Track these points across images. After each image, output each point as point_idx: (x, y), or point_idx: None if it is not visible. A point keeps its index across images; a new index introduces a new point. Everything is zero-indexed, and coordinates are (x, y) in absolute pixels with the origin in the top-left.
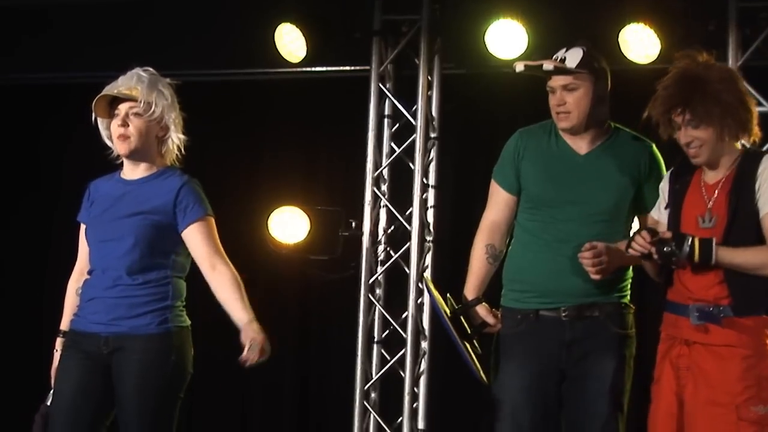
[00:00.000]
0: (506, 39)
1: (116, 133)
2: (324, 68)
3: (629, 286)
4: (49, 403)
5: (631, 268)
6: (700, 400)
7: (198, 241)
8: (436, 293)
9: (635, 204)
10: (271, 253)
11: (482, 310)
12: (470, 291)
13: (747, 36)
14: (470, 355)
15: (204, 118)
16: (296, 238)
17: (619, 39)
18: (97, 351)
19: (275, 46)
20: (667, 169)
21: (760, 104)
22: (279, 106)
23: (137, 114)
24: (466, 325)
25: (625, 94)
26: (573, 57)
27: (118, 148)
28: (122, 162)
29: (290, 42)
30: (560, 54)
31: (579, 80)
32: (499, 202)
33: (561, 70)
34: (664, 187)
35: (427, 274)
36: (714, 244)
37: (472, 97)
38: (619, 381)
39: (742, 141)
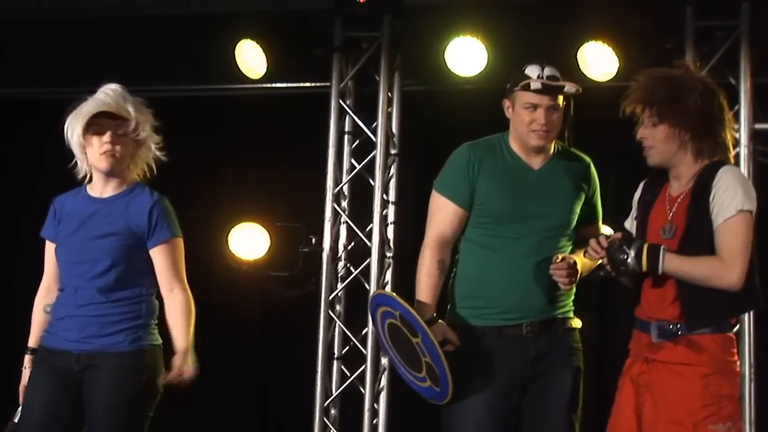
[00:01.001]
0: (466, 56)
1: (102, 149)
2: (284, 84)
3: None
4: (17, 420)
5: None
6: (659, 418)
7: (162, 263)
8: (402, 301)
9: (580, 217)
10: (232, 269)
11: (443, 327)
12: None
13: (704, 54)
14: (444, 370)
15: (165, 133)
16: (256, 255)
17: (578, 57)
18: (68, 368)
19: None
20: (600, 183)
21: None
22: (239, 122)
23: (126, 133)
24: None
25: (583, 111)
26: (557, 74)
27: (101, 163)
28: (87, 177)
29: (251, 58)
30: (537, 71)
31: (560, 100)
32: (447, 215)
33: (576, 90)
34: (635, 197)
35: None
36: (662, 250)
37: (432, 114)
38: (577, 393)
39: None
